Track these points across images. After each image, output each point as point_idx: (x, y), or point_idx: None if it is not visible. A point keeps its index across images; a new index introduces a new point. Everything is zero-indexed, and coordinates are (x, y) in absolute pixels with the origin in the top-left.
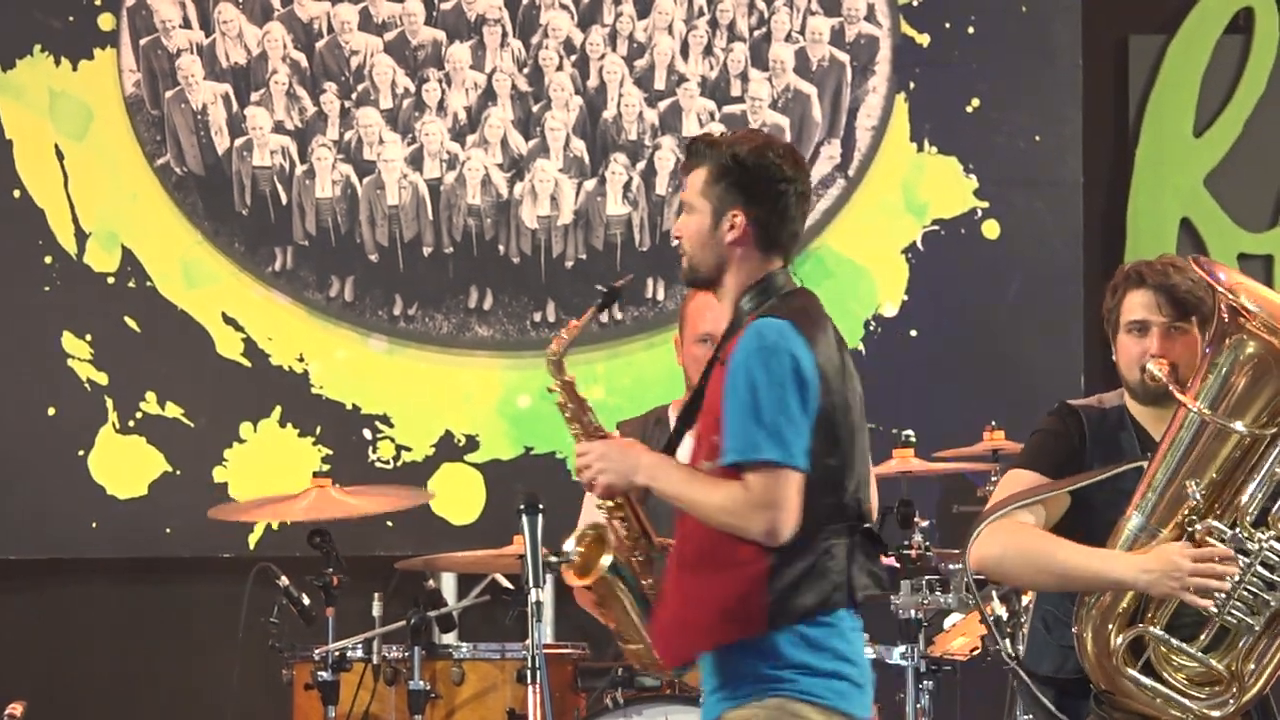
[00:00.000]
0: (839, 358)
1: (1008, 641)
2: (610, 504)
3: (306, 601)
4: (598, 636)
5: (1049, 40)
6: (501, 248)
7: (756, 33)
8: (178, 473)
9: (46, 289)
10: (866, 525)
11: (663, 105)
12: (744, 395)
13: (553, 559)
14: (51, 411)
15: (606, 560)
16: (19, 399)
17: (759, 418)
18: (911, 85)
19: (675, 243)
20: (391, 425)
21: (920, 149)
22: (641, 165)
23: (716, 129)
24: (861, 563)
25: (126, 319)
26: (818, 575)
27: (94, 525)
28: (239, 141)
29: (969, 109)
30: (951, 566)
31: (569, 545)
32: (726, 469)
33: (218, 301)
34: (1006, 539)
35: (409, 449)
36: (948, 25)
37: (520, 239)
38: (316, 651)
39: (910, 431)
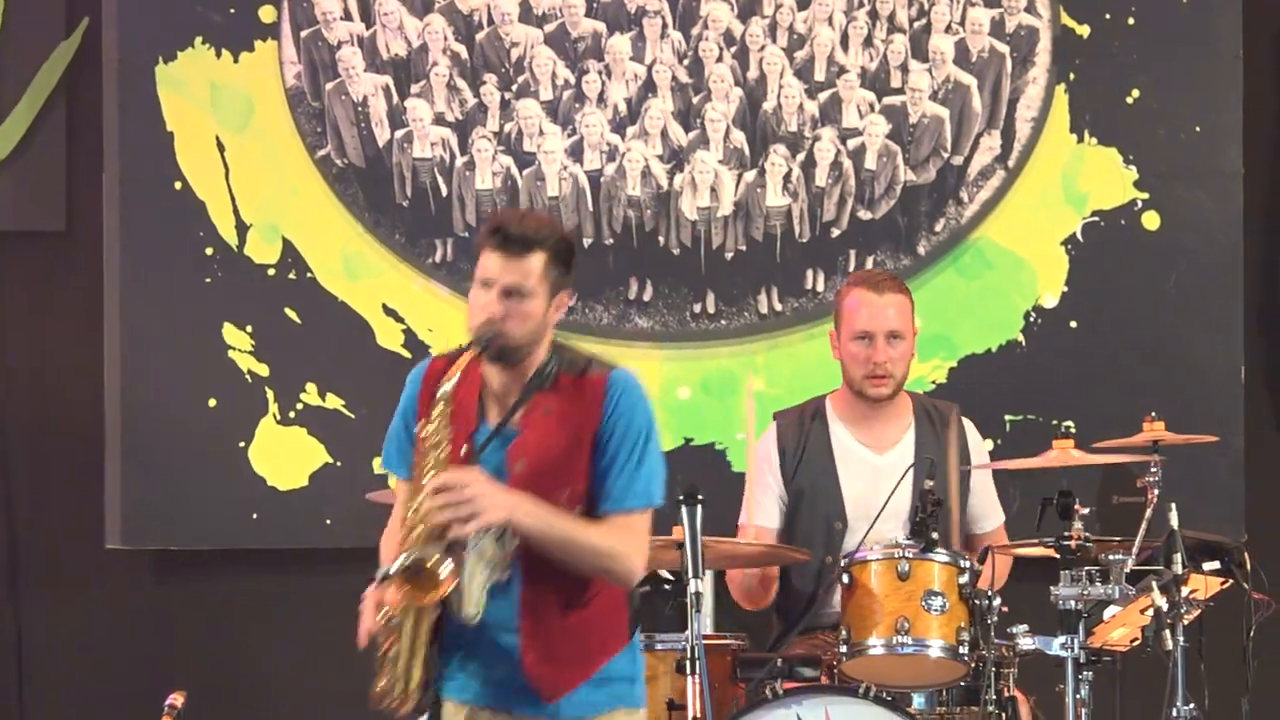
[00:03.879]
0: None
1: (1167, 632)
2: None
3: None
4: (757, 628)
5: (1209, 30)
6: (661, 239)
7: (916, 24)
8: (338, 464)
9: (207, 280)
10: None
11: (823, 97)
12: (638, 444)
13: (396, 568)
14: (212, 403)
15: (448, 570)
16: (180, 390)
17: (652, 464)
18: (1071, 76)
19: (489, 324)
20: None
21: (1080, 140)
22: (801, 156)
23: (878, 120)
24: None
25: (287, 310)
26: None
27: (254, 516)
28: (399, 133)
29: (1129, 100)
30: (1111, 557)
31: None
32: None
33: (378, 293)
34: None
35: None
36: (1108, 16)
37: (680, 230)
38: None
39: (1070, 422)
